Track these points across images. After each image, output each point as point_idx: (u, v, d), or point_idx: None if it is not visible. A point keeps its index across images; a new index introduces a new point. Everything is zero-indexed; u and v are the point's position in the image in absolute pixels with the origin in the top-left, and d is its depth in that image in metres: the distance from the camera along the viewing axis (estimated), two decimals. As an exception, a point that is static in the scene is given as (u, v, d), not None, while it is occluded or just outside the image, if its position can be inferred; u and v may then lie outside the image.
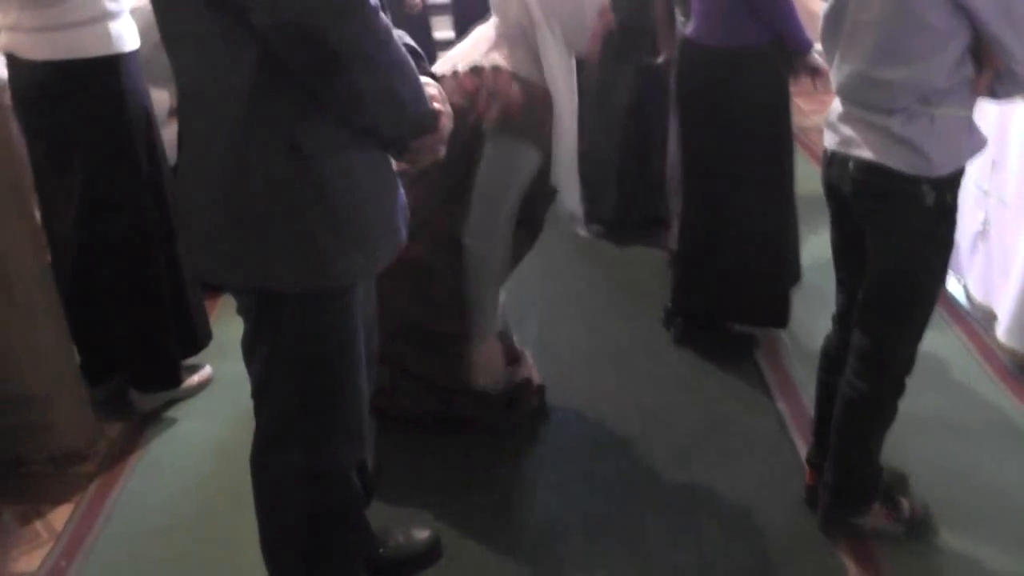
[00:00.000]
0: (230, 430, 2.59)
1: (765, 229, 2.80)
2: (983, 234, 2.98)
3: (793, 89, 2.78)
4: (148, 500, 2.38)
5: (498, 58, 2.15)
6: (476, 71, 2.16)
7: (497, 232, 2.23)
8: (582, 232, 3.80)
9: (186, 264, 2.63)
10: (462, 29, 2.39)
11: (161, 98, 2.97)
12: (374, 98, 1.41)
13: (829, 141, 1.95)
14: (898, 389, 2.01)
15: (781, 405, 2.67)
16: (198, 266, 1.60)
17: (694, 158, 2.85)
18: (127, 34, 2.37)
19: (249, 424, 1.71)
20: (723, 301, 2.92)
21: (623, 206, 3.84)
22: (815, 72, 2.65)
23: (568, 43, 2.16)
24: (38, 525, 2.30)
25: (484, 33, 2.24)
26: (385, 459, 2.46)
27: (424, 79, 1.52)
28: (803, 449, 2.38)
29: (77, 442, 2.53)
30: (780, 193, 2.80)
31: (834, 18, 1.86)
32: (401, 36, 1.49)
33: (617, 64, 3.67)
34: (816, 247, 3.16)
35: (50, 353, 2.45)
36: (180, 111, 1.57)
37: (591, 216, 3.97)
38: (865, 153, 1.83)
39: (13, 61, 2.32)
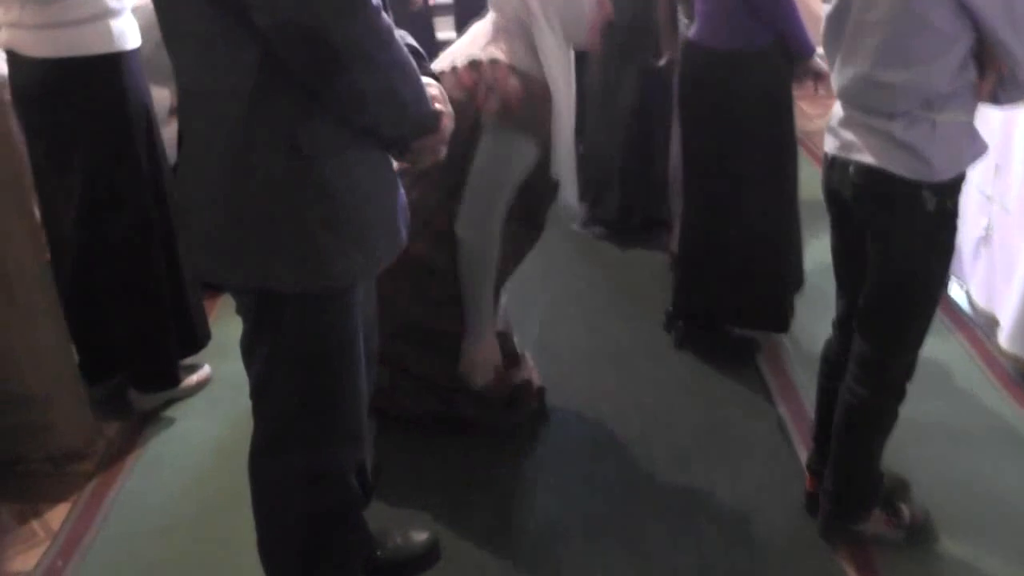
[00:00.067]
0: (229, 430, 2.59)
1: (766, 231, 2.80)
2: (986, 239, 2.97)
3: (796, 92, 2.78)
4: (146, 500, 2.38)
5: (496, 52, 2.16)
6: (474, 65, 2.17)
7: (491, 224, 2.23)
8: (576, 227, 3.81)
9: (186, 264, 2.63)
10: (463, 28, 2.40)
11: (162, 97, 2.98)
12: (375, 98, 1.42)
13: (830, 146, 1.94)
14: (899, 395, 2.01)
15: (782, 409, 2.67)
16: (198, 266, 1.60)
17: (695, 159, 2.85)
18: (129, 32, 2.37)
19: (248, 424, 1.71)
20: (723, 304, 2.92)
21: (625, 207, 3.84)
22: (817, 76, 2.65)
23: (567, 35, 2.17)
24: (35, 524, 2.30)
25: (482, 28, 2.25)
26: (384, 460, 2.46)
27: (426, 79, 1.52)
28: (804, 454, 2.38)
29: (76, 441, 2.54)
30: (782, 196, 2.80)
31: (837, 19, 1.86)
32: (403, 36, 1.49)
33: (620, 64, 3.68)
34: (819, 251, 3.15)
35: (50, 352, 2.45)
36: (181, 110, 1.57)
37: (593, 218, 3.98)
38: (866, 158, 1.83)
39: (14, 58, 2.32)
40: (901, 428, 2.07)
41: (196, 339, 2.78)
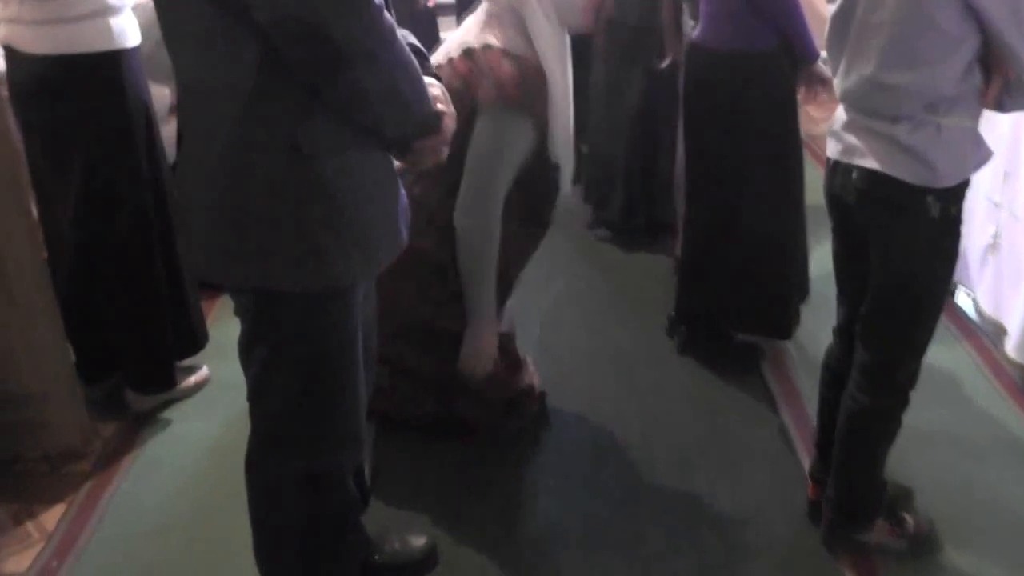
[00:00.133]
0: (226, 431, 2.59)
1: (769, 235, 2.79)
2: (993, 247, 2.97)
3: (800, 97, 2.78)
4: (142, 501, 2.38)
5: (488, 37, 2.19)
6: (468, 53, 2.20)
7: (491, 211, 2.23)
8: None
9: (185, 263, 2.63)
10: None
11: (162, 95, 2.98)
12: (378, 97, 1.42)
13: (832, 150, 1.94)
14: (902, 403, 2.01)
15: (785, 416, 2.67)
16: (197, 265, 1.60)
17: (698, 161, 2.85)
18: (129, 30, 2.38)
19: (246, 426, 1.71)
20: (726, 308, 2.92)
21: (629, 209, 3.85)
22: (821, 82, 2.66)
23: (560, 18, 2.19)
24: (30, 525, 2.30)
25: (475, 17, 2.28)
26: (382, 463, 2.46)
27: (428, 79, 1.53)
28: (807, 461, 2.38)
29: (72, 441, 2.54)
30: (786, 199, 2.79)
31: (841, 20, 1.86)
32: (405, 35, 1.50)
33: (625, 65, 3.68)
34: (826, 257, 3.12)
35: (47, 351, 2.46)
36: (180, 109, 1.58)
37: (598, 220, 3.98)
38: (869, 163, 1.82)
39: (12, 54, 2.32)
40: (906, 436, 2.07)
41: (194, 340, 2.79)
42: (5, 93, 2.38)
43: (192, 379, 2.80)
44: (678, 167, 3.29)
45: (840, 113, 1.93)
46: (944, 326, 3.03)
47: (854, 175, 1.87)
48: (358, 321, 1.64)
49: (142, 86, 2.47)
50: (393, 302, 2.32)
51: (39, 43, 2.27)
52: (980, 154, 1.83)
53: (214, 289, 3.00)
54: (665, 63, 3.13)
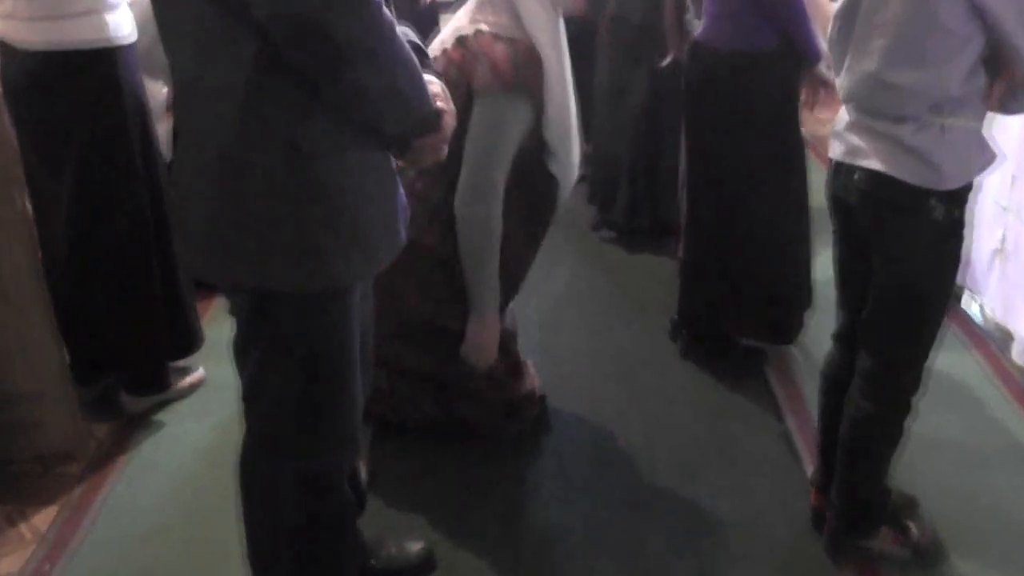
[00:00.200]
0: (221, 433, 2.60)
1: (771, 238, 2.80)
2: (1001, 251, 2.98)
3: (803, 99, 2.78)
4: (136, 503, 2.39)
5: (480, 23, 2.21)
6: (461, 41, 2.23)
7: (491, 196, 2.24)
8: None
9: (181, 262, 2.63)
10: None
11: (158, 92, 2.99)
12: (377, 95, 1.42)
13: (835, 151, 1.95)
14: (906, 409, 2.01)
15: (789, 422, 2.67)
16: (193, 264, 1.60)
17: (699, 162, 2.86)
18: (124, 26, 2.38)
19: (241, 427, 1.72)
20: (727, 312, 2.92)
21: (633, 209, 3.86)
22: (823, 85, 2.66)
23: (552, 1, 2.20)
24: (22, 527, 2.31)
25: (468, 6, 2.30)
26: (379, 466, 2.46)
27: (428, 77, 1.53)
28: (811, 468, 2.38)
29: (65, 442, 2.54)
30: (787, 200, 2.79)
31: (846, 17, 1.87)
32: (405, 32, 1.50)
33: (629, 65, 3.69)
34: (831, 260, 3.15)
35: (42, 350, 2.46)
36: (177, 106, 1.58)
37: (602, 221, 4.00)
38: (872, 163, 1.83)
39: (5, 49, 2.33)
40: (912, 443, 2.07)
41: (190, 341, 2.79)
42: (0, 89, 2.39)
43: (187, 380, 2.81)
44: (682, 167, 3.29)
45: (843, 114, 1.94)
46: (951, 332, 3.03)
47: (856, 176, 1.87)
48: (356, 321, 1.64)
49: (137, 83, 2.47)
50: (393, 301, 2.33)
51: (33, 38, 2.28)
52: (985, 156, 1.84)
53: (210, 289, 3.01)
54: (666, 61, 3.14)
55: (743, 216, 2.78)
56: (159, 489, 2.43)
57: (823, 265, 3.13)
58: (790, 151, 2.76)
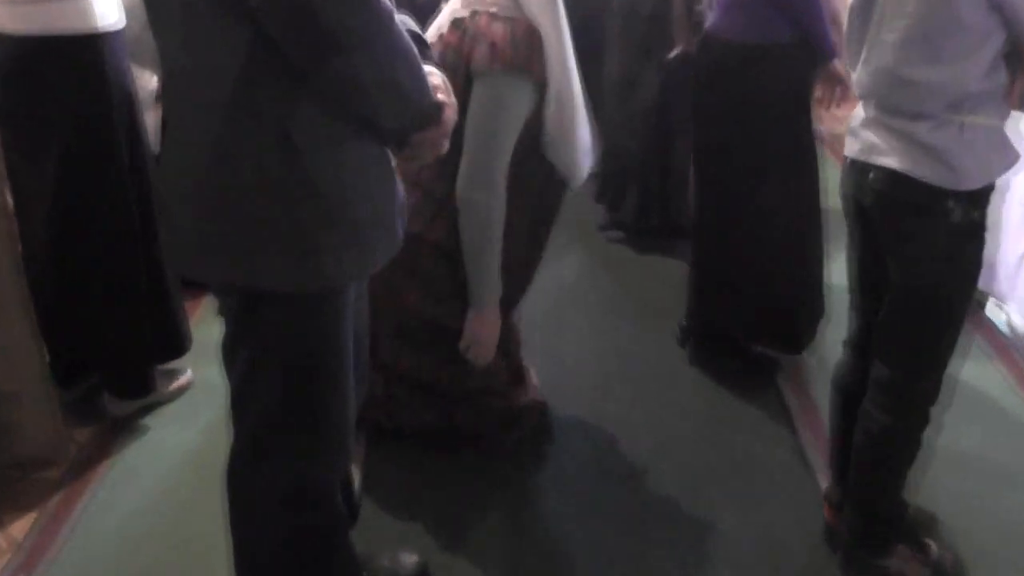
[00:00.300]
0: (209, 439, 2.59)
1: (781, 239, 2.78)
2: (1028, 257, 2.97)
3: (817, 97, 2.78)
4: (117, 511, 2.38)
5: (474, 4, 2.22)
6: (457, 24, 2.24)
7: (494, 181, 2.24)
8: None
9: (167, 259, 2.62)
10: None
11: (147, 81, 2.98)
12: (375, 87, 1.41)
13: (850, 149, 1.94)
14: (922, 421, 2.00)
15: (803, 433, 2.67)
16: (181, 262, 1.60)
17: (707, 157, 2.85)
18: (111, 12, 2.37)
19: (228, 433, 1.71)
20: (735, 317, 2.91)
21: (643, 209, 3.85)
22: (839, 82, 2.66)
23: None
24: (-2, 534, 2.31)
25: None
26: (374, 475, 2.46)
27: (428, 68, 1.52)
28: (825, 482, 2.37)
29: (44, 446, 2.53)
30: (798, 200, 2.77)
31: (862, 12, 1.86)
32: (404, 21, 1.49)
33: (640, 58, 3.68)
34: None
35: (22, 349, 2.45)
36: (165, 95, 1.57)
37: (611, 221, 3.99)
38: (889, 161, 1.82)
39: (-14, 34, 2.33)
40: (932, 457, 2.07)
41: (177, 342, 2.77)
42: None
43: (174, 384, 2.80)
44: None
45: (859, 110, 1.93)
46: (974, 342, 3.02)
47: (871, 175, 1.86)
48: (350, 323, 1.63)
49: (124, 71, 2.46)
50: (392, 300, 2.32)
51: (15, 23, 2.27)
52: (1008, 157, 1.83)
53: (199, 288, 3.00)
54: (674, 53, 3.13)
55: (749, 215, 2.77)
56: (142, 497, 2.43)
57: (839, 270, 3.13)
58: (800, 150, 2.74)
